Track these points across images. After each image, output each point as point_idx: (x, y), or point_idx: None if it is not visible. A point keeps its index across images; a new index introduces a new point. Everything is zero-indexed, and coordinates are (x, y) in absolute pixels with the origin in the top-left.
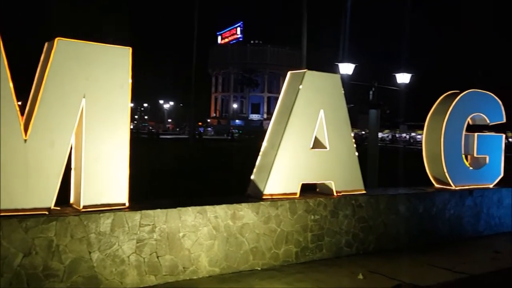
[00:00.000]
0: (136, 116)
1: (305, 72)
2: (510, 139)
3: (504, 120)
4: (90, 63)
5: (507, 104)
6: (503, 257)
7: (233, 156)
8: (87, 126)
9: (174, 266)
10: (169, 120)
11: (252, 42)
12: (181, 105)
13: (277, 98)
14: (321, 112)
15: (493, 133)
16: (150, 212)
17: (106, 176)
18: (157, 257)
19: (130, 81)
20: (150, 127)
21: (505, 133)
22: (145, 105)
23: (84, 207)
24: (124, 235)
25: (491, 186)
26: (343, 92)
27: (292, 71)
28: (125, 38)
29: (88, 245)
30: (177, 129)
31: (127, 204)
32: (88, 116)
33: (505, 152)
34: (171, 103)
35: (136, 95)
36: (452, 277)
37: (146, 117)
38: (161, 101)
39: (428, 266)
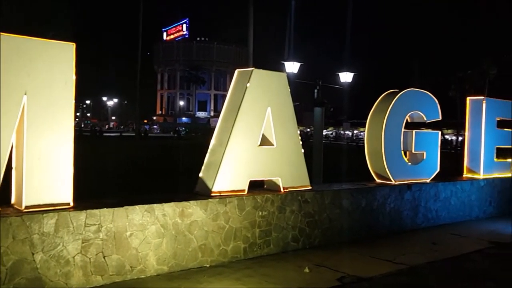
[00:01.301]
0: (78, 114)
1: (252, 70)
2: (445, 136)
3: (440, 118)
4: (32, 59)
5: (442, 101)
6: (439, 248)
7: (180, 154)
8: (29, 124)
9: (121, 266)
10: (113, 118)
11: (198, 39)
12: (126, 102)
13: (224, 96)
14: (268, 109)
15: (429, 130)
16: (96, 211)
17: (49, 175)
18: (104, 257)
19: (74, 77)
20: (97, 127)
21: (441, 130)
22: (88, 102)
23: (27, 207)
24: (69, 236)
25: (428, 180)
26: (289, 90)
27: (239, 69)
28: (68, 34)
29: (31, 246)
30: (122, 127)
31: (71, 204)
32: (30, 114)
33: (441, 148)
34: (115, 100)
35: (78, 92)
36: (392, 268)
37: (88, 114)
38: (104, 98)
39: (370, 258)
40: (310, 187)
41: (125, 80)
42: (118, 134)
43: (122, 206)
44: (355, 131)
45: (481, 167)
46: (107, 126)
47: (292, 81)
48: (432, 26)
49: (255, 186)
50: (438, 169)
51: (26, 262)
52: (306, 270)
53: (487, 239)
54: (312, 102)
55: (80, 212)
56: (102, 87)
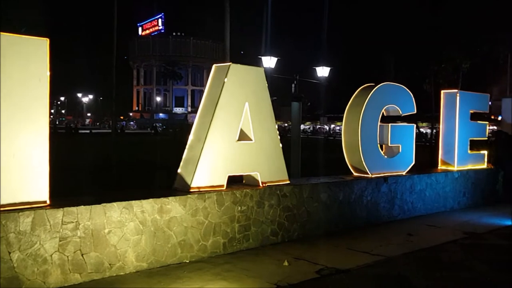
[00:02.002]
0: (52, 111)
1: (229, 65)
2: (420, 129)
3: (415, 111)
4: (4, 55)
5: (417, 95)
6: (415, 239)
7: (157, 151)
8: (3, 121)
9: (99, 263)
10: (88, 114)
11: (174, 34)
12: (101, 98)
13: (201, 91)
14: (246, 104)
15: (405, 124)
16: (73, 209)
17: (25, 173)
18: (82, 254)
19: (48, 73)
20: (72, 124)
21: (416, 123)
22: (62, 98)
23: (2, 205)
24: (46, 234)
25: (404, 173)
26: (267, 85)
27: (217, 64)
28: (41, 29)
29: (7, 245)
30: (97, 123)
31: (48, 202)
32: (4, 111)
33: (416, 141)
34: (90, 96)
35: (52, 88)
36: (370, 259)
37: (63, 111)
38: (79, 95)
39: (348, 250)
40: (288, 182)
41: (100, 76)
42: (88, 131)
43: (99, 203)
44: (332, 126)
45: (455, 159)
46: (80, 124)
47: (270, 76)
48: (406, 20)
49: (234, 181)
50: (414, 162)
51: (3, 261)
52: (285, 263)
53: (462, 230)
54: (289, 97)
55: (57, 210)
56: (77, 84)
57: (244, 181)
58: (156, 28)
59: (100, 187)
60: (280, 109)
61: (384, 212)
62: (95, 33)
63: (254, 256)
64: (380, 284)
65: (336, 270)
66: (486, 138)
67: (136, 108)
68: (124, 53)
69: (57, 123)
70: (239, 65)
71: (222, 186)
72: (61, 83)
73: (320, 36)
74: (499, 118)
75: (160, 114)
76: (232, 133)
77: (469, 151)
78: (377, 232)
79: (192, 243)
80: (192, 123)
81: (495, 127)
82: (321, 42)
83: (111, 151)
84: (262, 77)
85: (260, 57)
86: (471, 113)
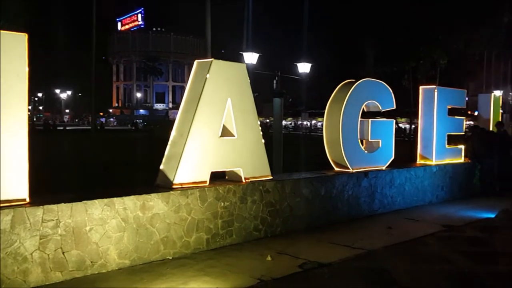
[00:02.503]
0: (30, 107)
1: (211, 61)
2: (399, 124)
3: (394, 107)
4: None
5: (396, 91)
6: (395, 232)
7: (138, 147)
8: None
9: (81, 261)
10: (67, 111)
11: (154, 29)
12: (80, 94)
13: (182, 87)
14: (229, 100)
15: (385, 119)
16: (54, 206)
17: (4, 170)
18: (63, 252)
19: (27, 69)
20: (50, 120)
21: (395, 118)
22: (40, 95)
23: None
24: (26, 232)
25: (384, 167)
26: (249, 81)
27: (198, 59)
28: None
29: None
30: (76, 120)
31: (28, 200)
32: None
33: (395, 136)
34: (69, 92)
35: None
36: (351, 253)
37: (41, 107)
38: (57, 91)
39: (330, 244)
40: (271, 177)
41: (79, 72)
42: (62, 128)
43: (80, 200)
44: (313, 121)
45: (434, 153)
46: (58, 120)
47: (251, 72)
48: (386, 17)
49: (217, 177)
50: (393, 157)
51: None
52: (269, 258)
53: (440, 223)
54: (271, 93)
55: (37, 208)
56: (55, 79)
57: (227, 177)
58: (136, 23)
59: (81, 185)
60: (262, 105)
61: (364, 206)
62: (73, 28)
63: (238, 251)
64: (361, 277)
65: (319, 264)
66: (463, 133)
67: (116, 104)
68: (103, 49)
69: (34, 119)
70: (221, 61)
71: (205, 182)
72: (38, 79)
73: (302, 32)
74: (476, 113)
75: (141, 110)
76: (215, 129)
77: (446, 146)
78: (358, 226)
79: (175, 240)
80: (174, 120)
81: (471, 122)
82: (303, 38)
83: (90, 149)
84: (244, 73)
85: (241, 53)
86: (449, 109)
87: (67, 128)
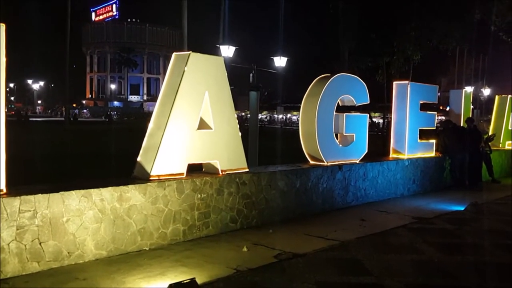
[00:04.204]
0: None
1: (189, 54)
2: (373, 119)
3: (368, 101)
4: None
5: (370, 86)
6: (368, 224)
7: (113, 139)
8: None
9: (58, 252)
10: (39, 102)
11: (129, 20)
12: (52, 85)
13: (157, 79)
14: (206, 93)
15: (359, 113)
16: (31, 197)
17: None
18: (40, 243)
19: (5, 59)
20: (22, 111)
21: (369, 113)
22: (11, 85)
23: None
24: (3, 222)
25: (357, 161)
26: (226, 74)
27: (176, 52)
28: None
29: None
30: (49, 111)
31: (4, 190)
32: None
33: (369, 131)
34: (41, 83)
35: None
36: (325, 244)
37: (12, 98)
38: (29, 81)
39: (304, 235)
40: (247, 170)
41: (52, 62)
42: (46, 119)
43: (57, 191)
44: (289, 115)
45: (406, 147)
46: (31, 111)
47: (228, 65)
48: (360, 13)
49: (194, 169)
50: (367, 150)
51: None
52: (245, 249)
53: (411, 215)
54: (247, 87)
55: (14, 198)
56: (27, 70)
57: (204, 169)
58: (110, 13)
59: (57, 176)
60: (238, 98)
61: (338, 198)
62: (46, 17)
63: (214, 243)
64: (335, 267)
65: (293, 254)
66: (435, 128)
67: (90, 96)
68: (76, 39)
69: (5, 110)
70: (199, 53)
71: (182, 174)
72: (10, 69)
73: (278, 26)
74: (447, 108)
75: (115, 102)
76: (192, 121)
77: (418, 140)
78: (332, 218)
79: (152, 231)
80: (148, 112)
81: (443, 117)
82: (279, 32)
83: (64, 140)
84: (222, 66)
85: (218, 46)
86: (421, 104)
87: (39, 119)
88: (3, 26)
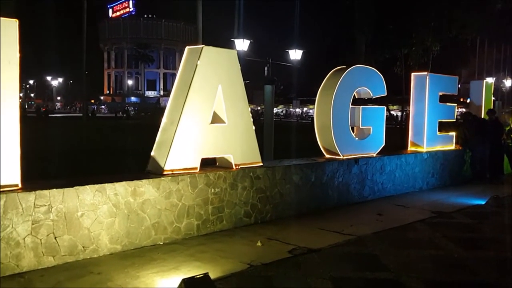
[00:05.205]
0: (21, 94)
1: (202, 47)
2: (391, 112)
3: (386, 94)
4: None
5: (388, 78)
6: (385, 219)
7: (129, 134)
8: None
9: (73, 246)
10: (58, 98)
11: (145, 16)
12: (71, 82)
13: (173, 75)
14: (219, 87)
15: (376, 106)
16: (46, 192)
17: None
18: (55, 237)
19: (19, 55)
20: (42, 107)
21: (386, 105)
22: (31, 82)
23: None
24: (18, 217)
25: (374, 154)
26: (239, 67)
27: (189, 46)
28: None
29: None
30: (67, 107)
31: (20, 185)
32: None
33: (386, 123)
34: (60, 79)
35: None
36: (341, 239)
37: (32, 95)
38: (48, 78)
39: (319, 230)
40: (261, 164)
41: (70, 59)
42: (65, 115)
43: (72, 186)
44: (305, 109)
45: (425, 140)
46: (50, 107)
47: (243, 59)
48: (378, 4)
49: (207, 163)
50: (384, 144)
51: None
52: (259, 244)
53: (430, 209)
54: (262, 80)
55: (29, 193)
56: (46, 67)
57: (217, 163)
58: (127, 10)
59: (72, 171)
60: (253, 93)
61: (355, 193)
62: (64, 15)
63: (228, 237)
64: (350, 262)
65: (308, 249)
66: (455, 120)
67: (107, 92)
68: (94, 36)
69: (26, 107)
70: (211, 47)
71: (196, 168)
72: (29, 66)
73: (294, 18)
74: (468, 100)
75: (132, 98)
76: (206, 115)
77: (438, 133)
78: (348, 212)
79: (166, 225)
80: (164, 107)
81: (463, 109)
82: (294, 25)
83: (80, 136)
84: (235, 60)
85: (233, 39)
86: (440, 95)
87: (58, 115)
88: (16, 22)
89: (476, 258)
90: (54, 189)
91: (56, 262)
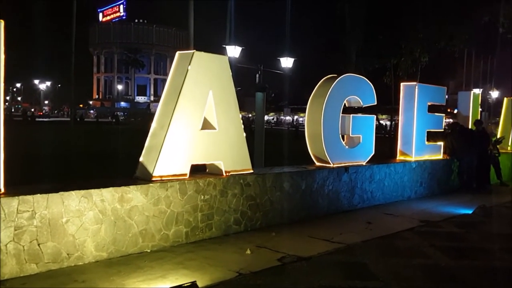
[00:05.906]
0: (8, 98)
1: (193, 52)
2: (380, 121)
3: (376, 103)
4: None
5: (377, 87)
6: (374, 227)
7: (118, 140)
8: None
9: (57, 253)
10: (46, 102)
11: (136, 21)
12: (59, 85)
13: (164, 80)
14: (210, 93)
15: (366, 115)
16: (29, 197)
17: None
18: (38, 244)
19: (3, 56)
20: (28, 111)
21: (376, 114)
22: (18, 85)
23: None
24: (0, 223)
25: (364, 163)
26: (231, 73)
27: (180, 51)
28: None
29: None
30: (55, 111)
31: (2, 190)
32: None
33: (376, 132)
34: (48, 83)
35: (8, 74)
36: (330, 247)
37: (19, 98)
38: (36, 81)
39: (309, 238)
40: (251, 171)
41: (59, 63)
42: (52, 119)
43: (57, 191)
44: (295, 117)
45: (413, 149)
46: (37, 111)
47: (234, 65)
48: (368, 14)
49: (197, 170)
50: (373, 152)
51: None
52: (248, 252)
53: (418, 218)
54: (254, 87)
55: (12, 198)
56: (34, 70)
57: (207, 170)
58: (118, 14)
59: (58, 176)
60: (244, 100)
61: (344, 201)
62: (54, 18)
63: (217, 245)
64: (340, 270)
65: (298, 257)
66: (443, 130)
67: (97, 96)
68: (84, 40)
69: (12, 110)
70: (203, 52)
71: (185, 174)
72: (17, 69)
73: (285, 27)
74: (455, 111)
75: (122, 103)
76: (196, 121)
77: (426, 142)
78: (337, 220)
79: (154, 233)
80: (155, 113)
81: (451, 120)
82: (286, 33)
83: (67, 140)
84: (226, 66)
85: (224, 46)
86: (429, 105)
87: (45, 120)
88: (1, 22)
89: (463, 267)
90: (38, 195)
91: (39, 269)
